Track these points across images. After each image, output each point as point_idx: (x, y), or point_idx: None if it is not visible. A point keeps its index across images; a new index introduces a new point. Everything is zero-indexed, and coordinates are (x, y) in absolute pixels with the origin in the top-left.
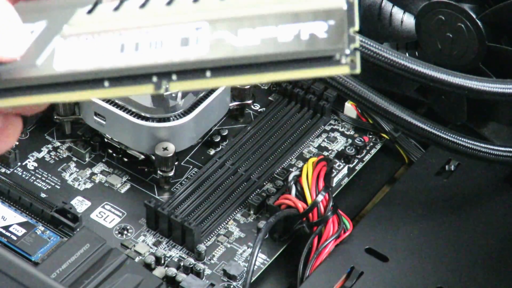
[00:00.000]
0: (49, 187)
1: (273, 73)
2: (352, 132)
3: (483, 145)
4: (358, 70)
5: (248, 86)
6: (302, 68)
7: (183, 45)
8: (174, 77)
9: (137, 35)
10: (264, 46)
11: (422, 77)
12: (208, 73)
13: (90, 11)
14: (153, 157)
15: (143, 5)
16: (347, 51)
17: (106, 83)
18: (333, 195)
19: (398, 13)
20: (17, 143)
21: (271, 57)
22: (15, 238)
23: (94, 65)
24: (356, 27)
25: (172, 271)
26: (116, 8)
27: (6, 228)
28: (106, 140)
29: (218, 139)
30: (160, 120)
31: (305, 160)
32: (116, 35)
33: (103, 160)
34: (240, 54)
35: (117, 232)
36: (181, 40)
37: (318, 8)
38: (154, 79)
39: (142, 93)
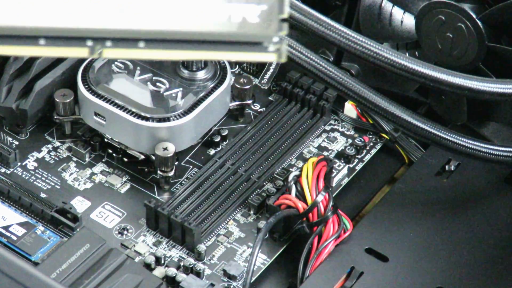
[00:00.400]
0: (49, 187)
1: (204, 51)
2: (352, 132)
3: (483, 145)
4: (283, 59)
5: (248, 86)
6: (230, 50)
7: (120, 12)
8: (108, 43)
9: None
10: (198, 23)
11: (422, 77)
12: (141, 44)
13: None
14: (153, 157)
15: None
16: (275, 39)
17: (42, 41)
18: (333, 195)
19: (398, 13)
20: (17, 143)
21: (204, 36)
22: (15, 238)
23: (32, 22)
24: (285, 14)
25: (172, 271)
26: None
27: (6, 228)
28: (106, 140)
29: (218, 139)
30: (160, 120)
31: (305, 160)
32: None
33: (103, 160)
34: (175, 29)
35: (117, 232)
36: (118, 7)
37: None
38: (89, 43)
39: (77, 55)
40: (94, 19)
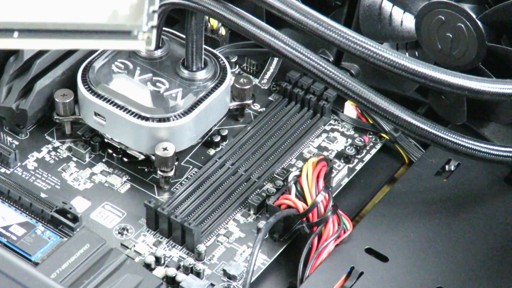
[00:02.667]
0: (49, 187)
1: (76, 40)
2: (352, 132)
3: (483, 145)
4: (152, 46)
5: (248, 86)
6: (102, 39)
7: None
8: None
9: None
10: (71, 14)
11: (422, 77)
12: (15, 34)
13: None
14: (153, 157)
15: None
16: (145, 28)
17: None
18: (333, 195)
19: (398, 13)
20: (17, 143)
21: (75, 26)
22: (15, 238)
23: None
24: (156, 6)
25: (172, 271)
26: None
27: (6, 228)
28: (106, 140)
29: (218, 139)
30: (160, 120)
31: (305, 160)
32: None
33: (103, 160)
34: (47, 20)
35: (117, 232)
36: None
37: None
38: None
39: None
40: None
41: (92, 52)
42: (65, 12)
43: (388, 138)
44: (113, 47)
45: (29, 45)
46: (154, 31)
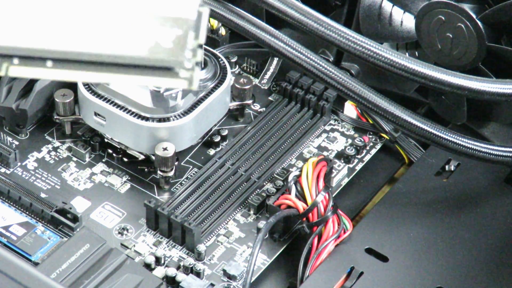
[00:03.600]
0: (49, 187)
1: (113, 74)
2: (352, 132)
3: (483, 145)
4: (195, 87)
5: (248, 86)
6: (141, 74)
7: (30, 29)
8: (15, 61)
9: None
10: (109, 45)
11: (422, 77)
12: (49, 63)
13: None
14: (153, 157)
15: None
16: (187, 65)
17: None
18: (333, 195)
19: (398, 13)
20: (17, 143)
21: (113, 58)
22: (15, 238)
23: None
24: (201, 40)
25: (172, 271)
26: None
27: (6, 228)
28: (106, 140)
29: (218, 139)
30: (160, 120)
31: (305, 160)
32: None
33: (103, 160)
34: (84, 50)
35: (117, 232)
36: (29, 24)
37: (167, 13)
38: None
39: None
40: (2, 35)
41: None
42: (102, 42)
43: (388, 138)
44: (152, 83)
45: (62, 76)
46: (198, 69)
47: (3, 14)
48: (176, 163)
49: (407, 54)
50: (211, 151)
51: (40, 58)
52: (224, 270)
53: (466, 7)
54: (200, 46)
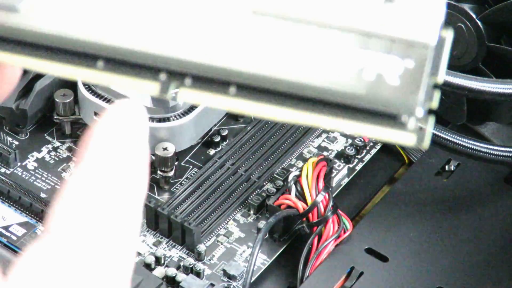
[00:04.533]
0: (49, 187)
1: (314, 115)
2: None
3: (483, 145)
4: (426, 144)
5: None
6: (353, 120)
7: (214, 41)
8: (188, 81)
9: (166, 5)
10: (313, 73)
11: None
12: (232, 90)
13: None
14: (153, 157)
15: None
16: (419, 112)
17: (100, 64)
18: (333, 195)
19: None
20: (17, 143)
21: (319, 93)
22: (15, 238)
23: (93, 34)
24: (441, 77)
25: (172, 271)
26: None
27: (6, 228)
28: None
29: (218, 139)
30: (160, 120)
31: (305, 160)
32: None
33: None
34: (282, 76)
35: None
36: (215, 34)
37: (398, 34)
38: (163, 77)
39: (143, 91)
40: (176, 44)
41: None
42: (301, 68)
43: None
44: (365, 133)
45: (245, 110)
46: (432, 120)
47: (177, 21)
48: (176, 163)
49: None
50: (211, 151)
51: (222, 81)
52: (224, 270)
53: (466, 7)
54: (438, 86)
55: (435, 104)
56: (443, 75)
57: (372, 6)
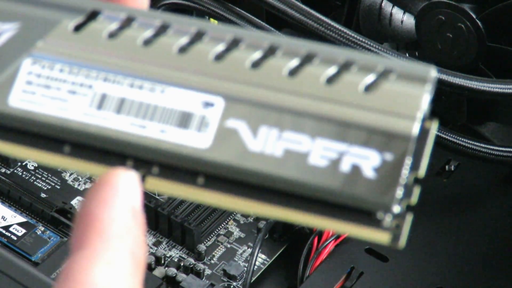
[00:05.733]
0: (49, 187)
1: (284, 210)
2: None
3: (483, 145)
4: (401, 244)
5: None
6: (325, 215)
7: (181, 125)
8: (155, 170)
9: (126, 88)
10: (285, 164)
11: None
12: (200, 180)
13: (78, 28)
14: None
15: (147, 42)
16: (396, 210)
17: (67, 149)
18: None
19: (398, 13)
20: None
21: (292, 186)
22: (15, 238)
23: (60, 114)
24: (421, 172)
25: (172, 271)
26: (113, 35)
27: (6, 228)
28: None
29: None
30: None
31: None
32: (100, 78)
33: None
34: (252, 166)
35: None
36: (181, 117)
37: (377, 124)
38: (129, 164)
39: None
40: (143, 126)
41: None
42: (263, 156)
43: None
44: (337, 229)
45: (213, 202)
46: (410, 217)
47: (154, 90)
48: None
49: (407, 54)
50: None
51: (189, 170)
52: (224, 270)
53: (466, 7)
54: (419, 181)
55: (414, 200)
56: (424, 170)
57: (351, 95)
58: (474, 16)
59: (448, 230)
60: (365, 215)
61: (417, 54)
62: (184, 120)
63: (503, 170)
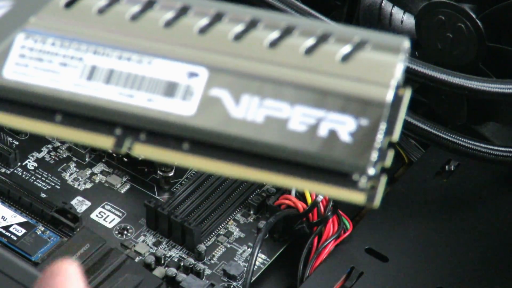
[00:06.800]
0: (49, 187)
1: (266, 172)
2: None
3: (483, 145)
4: (376, 203)
5: None
6: (304, 177)
7: (167, 94)
8: (142, 136)
9: (115, 60)
10: (266, 130)
11: (422, 77)
12: (185, 146)
13: (69, 4)
14: None
15: (135, 17)
16: (371, 172)
17: (58, 117)
18: None
19: (398, 13)
20: (17, 143)
21: (273, 150)
22: (15, 238)
23: (51, 85)
24: (395, 136)
25: (172, 271)
26: (102, 10)
27: (6, 228)
28: None
29: None
30: None
31: None
32: (90, 51)
33: (103, 160)
34: (235, 131)
35: (117, 232)
36: (167, 86)
37: (353, 92)
38: (118, 131)
39: (97, 145)
40: (130, 96)
41: None
42: (244, 122)
43: None
44: (315, 190)
45: (196, 165)
46: (384, 179)
47: (141, 61)
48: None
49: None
50: None
51: (175, 136)
52: (224, 270)
53: (466, 7)
54: (393, 145)
55: (388, 163)
56: (398, 134)
57: (328, 65)
58: (474, 16)
59: (448, 230)
60: (342, 177)
61: (417, 54)
62: (170, 89)
63: (503, 170)
